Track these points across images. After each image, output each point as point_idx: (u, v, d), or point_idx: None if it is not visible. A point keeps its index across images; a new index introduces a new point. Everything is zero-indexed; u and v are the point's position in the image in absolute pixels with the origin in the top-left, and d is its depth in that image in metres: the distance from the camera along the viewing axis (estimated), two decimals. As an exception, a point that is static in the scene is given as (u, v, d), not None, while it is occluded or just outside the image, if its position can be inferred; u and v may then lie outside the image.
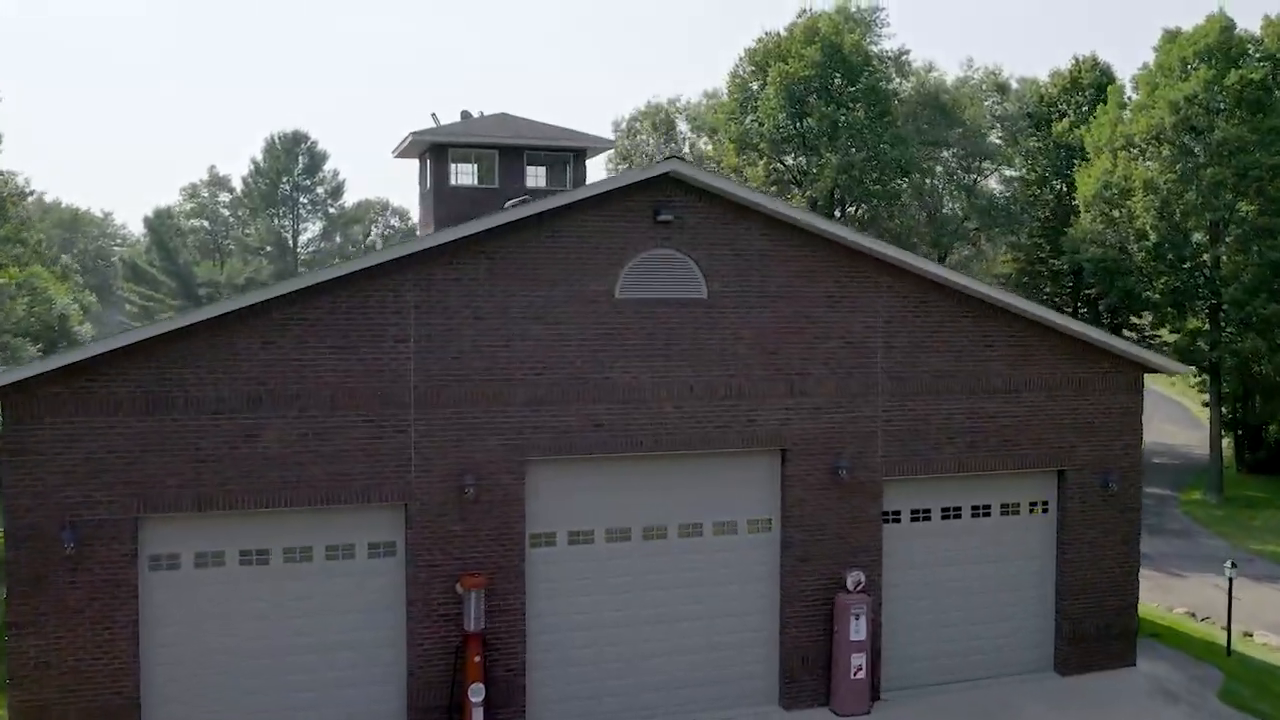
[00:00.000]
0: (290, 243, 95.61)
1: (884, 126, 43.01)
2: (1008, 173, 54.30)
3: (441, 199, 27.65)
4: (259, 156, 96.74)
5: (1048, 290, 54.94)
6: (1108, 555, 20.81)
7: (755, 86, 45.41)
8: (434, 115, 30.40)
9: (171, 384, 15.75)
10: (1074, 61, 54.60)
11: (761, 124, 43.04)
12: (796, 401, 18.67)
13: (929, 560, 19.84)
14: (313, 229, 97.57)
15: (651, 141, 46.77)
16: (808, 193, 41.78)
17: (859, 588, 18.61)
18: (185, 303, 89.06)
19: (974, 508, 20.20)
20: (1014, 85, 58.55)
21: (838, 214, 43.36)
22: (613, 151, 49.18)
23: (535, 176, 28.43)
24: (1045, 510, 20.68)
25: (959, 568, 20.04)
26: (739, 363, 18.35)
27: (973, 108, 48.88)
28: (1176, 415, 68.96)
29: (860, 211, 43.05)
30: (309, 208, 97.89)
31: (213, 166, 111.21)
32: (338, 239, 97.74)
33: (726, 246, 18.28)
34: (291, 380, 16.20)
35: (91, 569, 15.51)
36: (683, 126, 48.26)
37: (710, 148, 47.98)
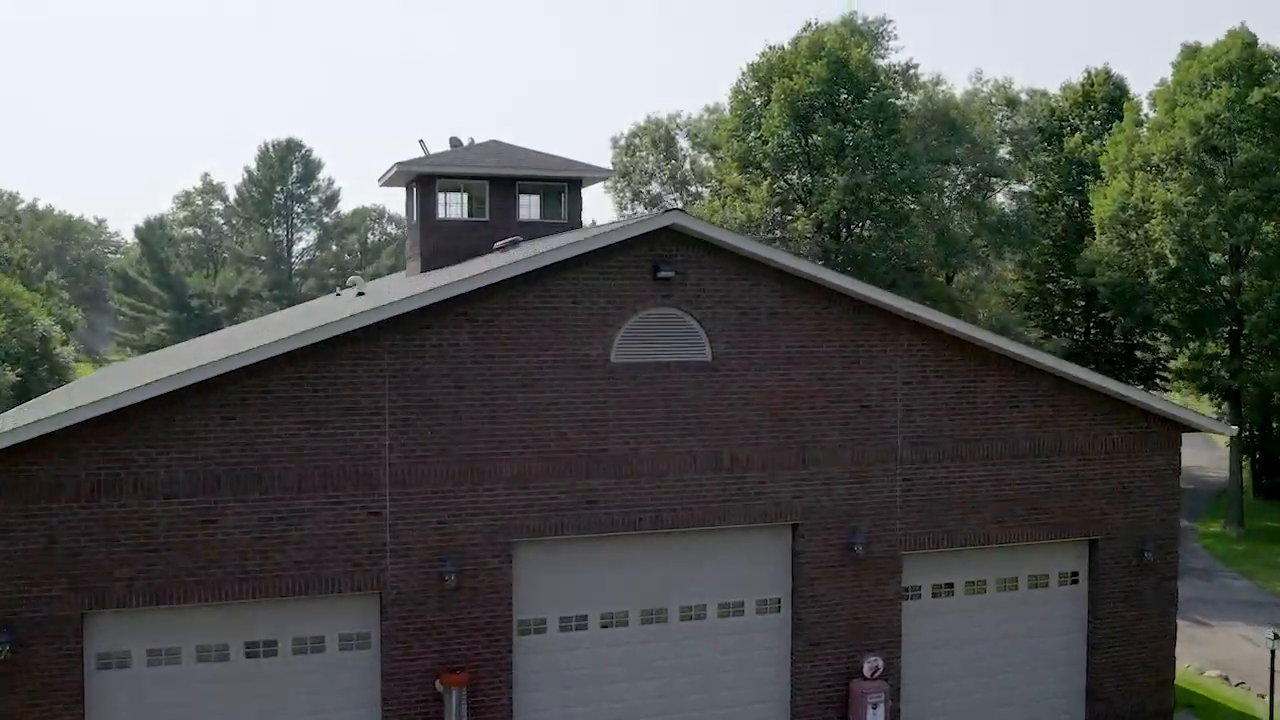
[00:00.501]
0: (285, 252, 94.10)
1: (892, 144, 41.47)
2: (1018, 188, 52.74)
3: (429, 232, 26.11)
4: (253, 165, 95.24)
5: (1058, 309, 53.41)
6: (1142, 629, 19.31)
7: (758, 102, 43.87)
8: (421, 143, 28.95)
9: (119, 465, 14.22)
10: (1086, 75, 53.08)
11: (765, 142, 41.50)
12: (809, 471, 17.16)
13: (952, 639, 18.32)
14: (308, 238, 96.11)
15: (651, 159, 45.30)
16: (813, 214, 40.26)
17: (876, 674, 17.11)
18: (177, 314, 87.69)
19: (1000, 581, 18.70)
20: (1024, 98, 57.05)
21: (844, 234, 41.82)
22: (612, 170, 47.69)
23: (528, 207, 26.91)
24: (1076, 582, 19.16)
25: (984, 645, 18.53)
26: (746, 430, 16.83)
27: (983, 123, 47.33)
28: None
29: (866, 231, 41.50)
30: (303, 216, 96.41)
31: (206, 174, 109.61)
32: (334, 247, 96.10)
33: (732, 304, 16.77)
34: (254, 459, 14.68)
35: (31, 672, 13.99)
36: (683, 143, 46.81)
37: (712, 164, 46.46)
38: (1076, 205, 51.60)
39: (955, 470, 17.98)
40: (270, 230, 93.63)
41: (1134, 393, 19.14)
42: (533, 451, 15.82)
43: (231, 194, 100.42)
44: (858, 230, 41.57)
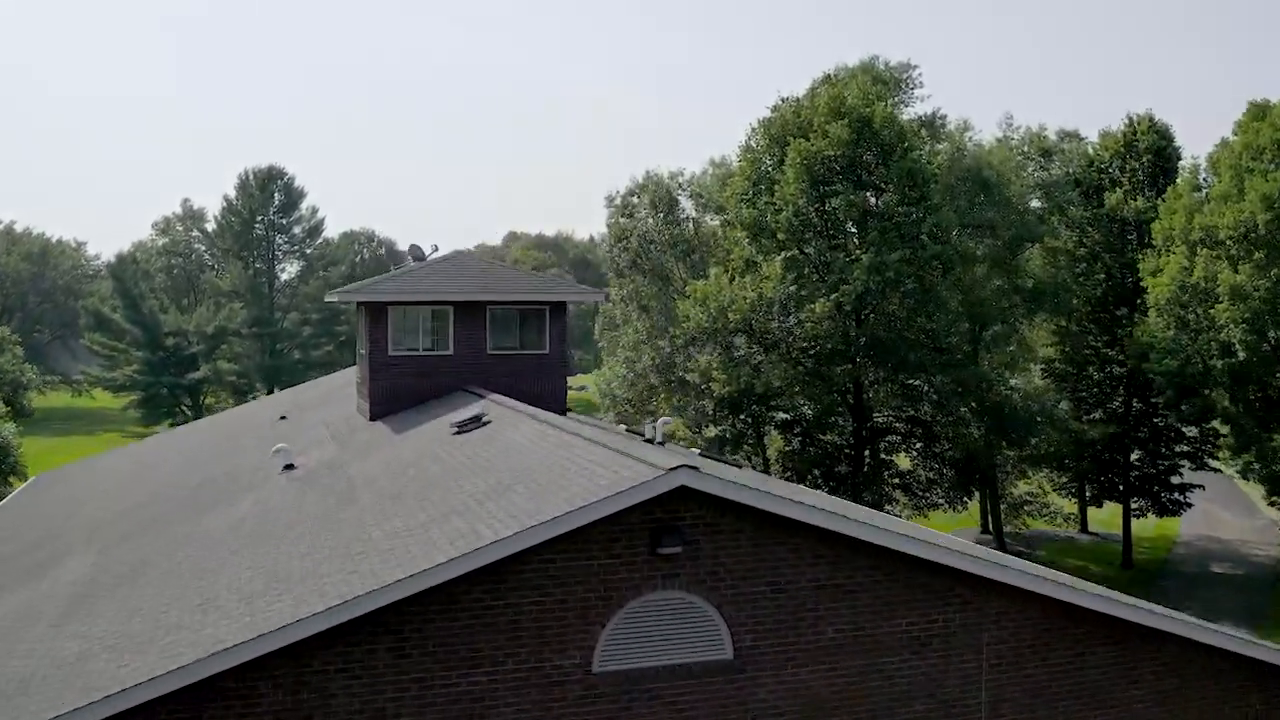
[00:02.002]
0: (266, 286, 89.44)
1: (922, 213, 36.95)
2: (1050, 242, 48.07)
3: (380, 371, 21.54)
4: (232, 193, 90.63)
5: (1095, 378, 48.79)
6: None
7: (769, 161, 39.31)
8: (380, 243, 24.65)
9: None
10: (1127, 122, 48.47)
11: (779, 210, 36.94)
12: (865, 800, 12.56)
13: None
14: (290, 270, 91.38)
15: (651, 221, 40.76)
16: (834, 295, 35.69)
17: None
18: (150, 353, 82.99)
19: None
20: (1059, 144, 52.54)
21: (867, 315, 37.18)
22: (607, 232, 43.15)
23: (502, 336, 22.37)
24: None
25: None
26: (781, 753, 12.22)
27: (1017, 182, 42.72)
28: (1229, 497, 62.80)
29: (892, 306, 36.90)
30: (285, 247, 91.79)
31: (187, 199, 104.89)
32: (318, 278, 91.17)
33: (762, 579, 12.18)
34: None
35: None
36: (685, 203, 42.24)
37: (717, 225, 41.89)
38: (1118, 267, 47.04)
39: (1058, 775, 13.39)
40: (250, 262, 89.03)
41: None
42: (483, 809, 11.21)
43: (215, 216, 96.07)
44: (882, 308, 36.95)
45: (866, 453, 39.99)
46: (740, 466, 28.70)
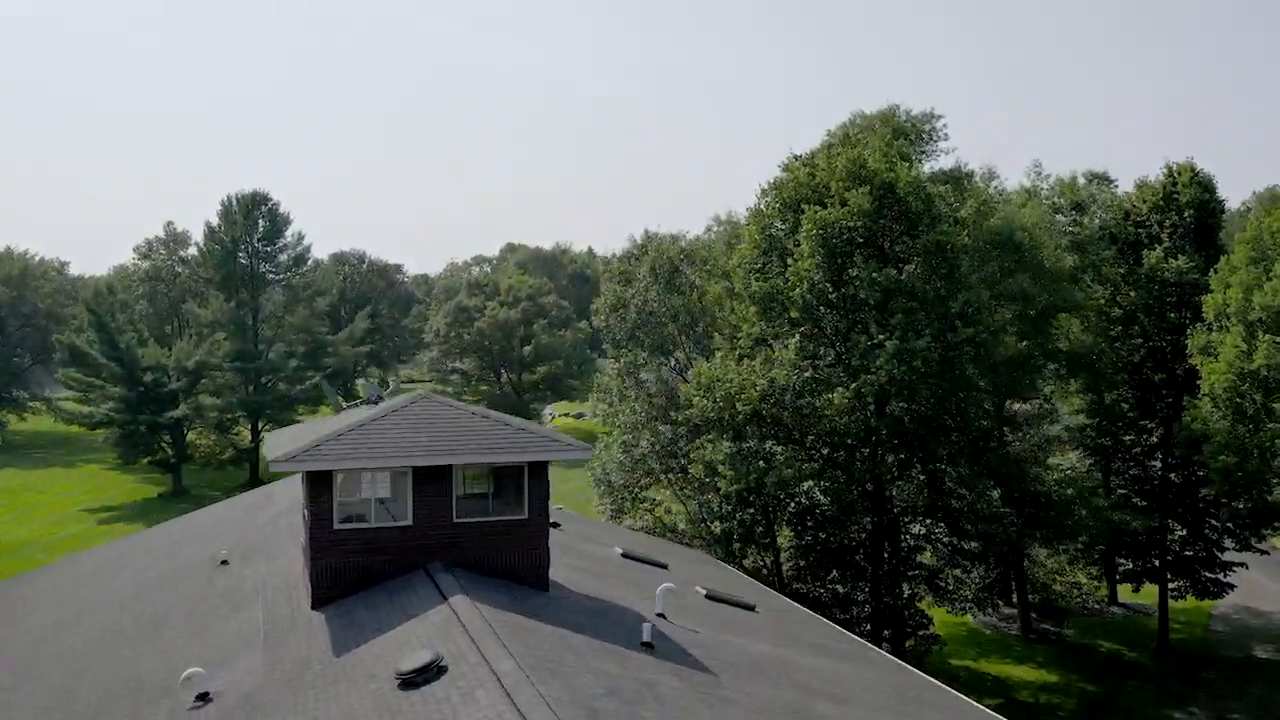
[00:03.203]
0: (250, 318, 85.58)
1: (951, 288, 33.28)
2: (1085, 299, 44.20)
3: (323, 549, 17.86)
4: (214, 219, 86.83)
5: (1134, 452, 45.07)
6: None
7: (780, 225, 35.63)
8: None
9: None
10: (1166, 171, 44.77)
11: (793, 286, 33.27)
12: None
13: None
14: (275, 299, 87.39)
15: (654, 293, 36.95)
16: (854, 384, 32.01)
17: None
18: (127, 390, 79.23)
19: None
20: (1084, 182, 48.88)
21: (891, 404, 33.49)
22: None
23: (471, 504, 18.71)
24: None
25: None
26: None
27: (1051, 244, 38.97)
28: (1266, 559, 59.04)
29: (920, 398, 33.24)
30: (271, 275, 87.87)
31: (170, 223, 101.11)
32: (303, 311, 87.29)
33: None
34: None
35: None
36: (686, 269, 38.41)
37: (722, 292, 38.15)
38: (1157, 331, 43.38)
39: None
40: (234, 293, 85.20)
41: None
42: None
43: (193, 248, 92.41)
44: (907, 398, 33.28)
45: (886, 547, 36.35)
46: (752, 609, 25.10)
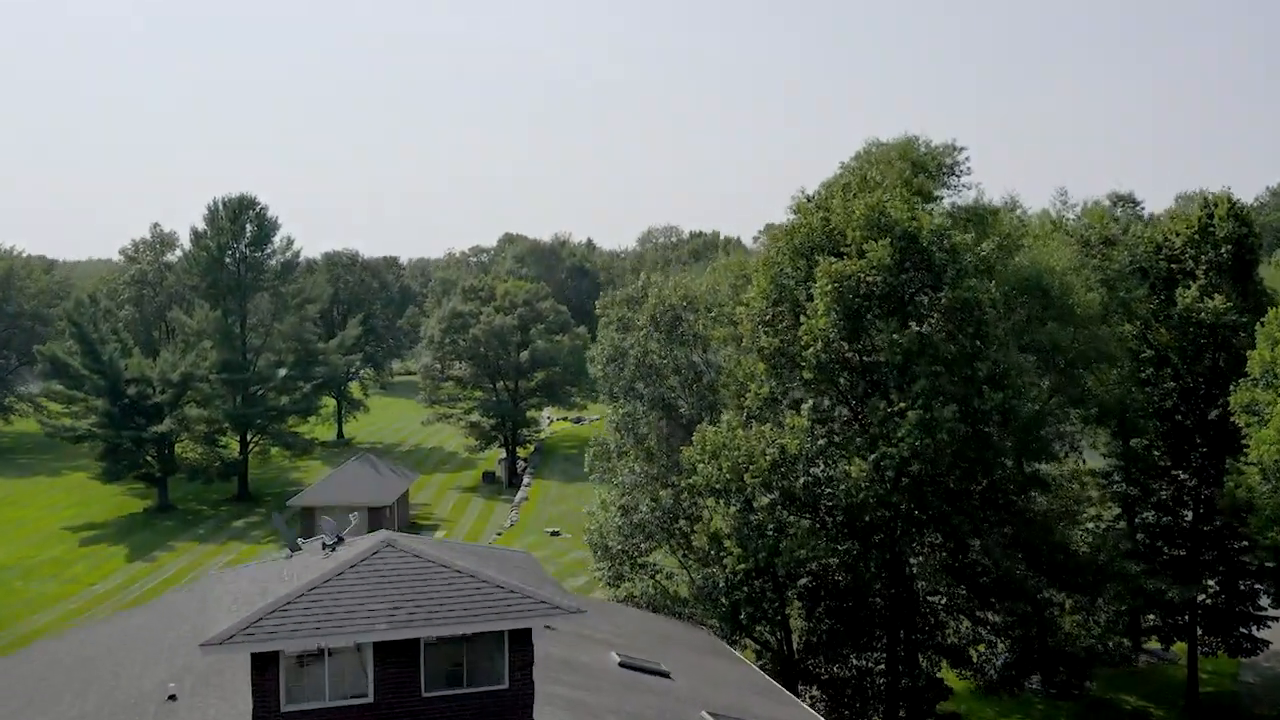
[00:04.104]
0: (237, 326, 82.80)
1: (977, 345, 30.58)
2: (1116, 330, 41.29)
3: (273, 733, 15.28)
4: (201, 224, 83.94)
5: (1164, 499, 42.40)
6: None
7: (791, 271, 32.86)
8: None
9: None
10: (1202, 203, 41.95)
11: (806, 345, 30.58)
12: None
13: None
14: (264, 307, 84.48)
15: (655, 344, 34.19)
16: (873, 455, 29.37)
17: None
18: (110, 403, 76.52)
19: None
20: (1109, 205, 46.09)
21: (914, 479, 30.81)
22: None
23: (447, 667, 16.13)
24: None
25: None
26: None
27: (1081, 286, 36.19)
28: None
29: (943, 468, 30.54)
30: (261, 280, 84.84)
31: (156, 224, 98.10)
32: (292, 319, 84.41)
33: None
34: None
35: None
36: (690, 314, 35.69)
37: (728, 339, 35.44)
38: (1191, 376, 40.70)
39: None
40: (220, 300, 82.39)
41: None
42: None
43: (180, 252, 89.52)
44: (930, 470, 30.60)
45: (904, 620, 33.79)
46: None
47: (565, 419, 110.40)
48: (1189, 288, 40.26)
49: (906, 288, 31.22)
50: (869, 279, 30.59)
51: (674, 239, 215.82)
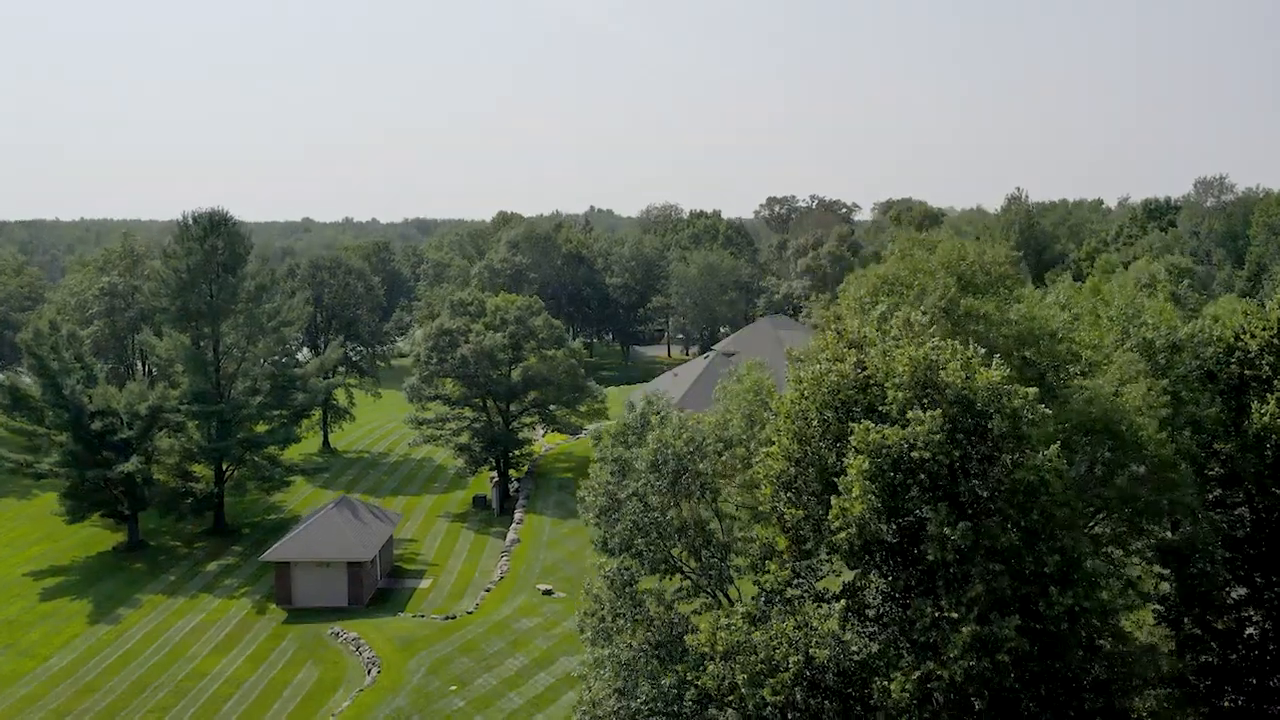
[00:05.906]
0: (210, 352, 77.56)
1: (1044, 524, 25.68)
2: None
3: None
4: (172, 242, 78.42)
5: (1231, 638, 37.61)
6: None
7: (817, 424, 27.81)
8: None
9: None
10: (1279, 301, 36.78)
11: (838, 530, 25.63)
12: None
13: None
14: (236, 331, 78.99)
15: (655, 497, 29.17)
16: (917, 672, 24.57)
17: None
18: (74, 440, 71.54)
19: None
20: (1165, 272, 40.86)
21: (968, 699, 26.02)
22: (598, 487, 31.30)
23: None
24: None
25: None
26: None
27: (1154, 429, 31.11)
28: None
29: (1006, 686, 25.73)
30: (235, 300, 79.44)
31: (127, 234, 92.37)
32: (266, 343, 79.13)
33: None
34: None
35: None
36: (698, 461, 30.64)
37: (741, 491, 30.52)
38: (1266, 504, 35.78)
39: None
40: (191, 324, 77.12)
41: None
42: None
43: (157, 264, 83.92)
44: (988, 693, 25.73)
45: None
46: None
47: (559, 431, 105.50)
48: (1266, 401, 35.28)
49: (959, 463, 26.15)
50: (914, 455, 25.53)
51: (673, 215, 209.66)
